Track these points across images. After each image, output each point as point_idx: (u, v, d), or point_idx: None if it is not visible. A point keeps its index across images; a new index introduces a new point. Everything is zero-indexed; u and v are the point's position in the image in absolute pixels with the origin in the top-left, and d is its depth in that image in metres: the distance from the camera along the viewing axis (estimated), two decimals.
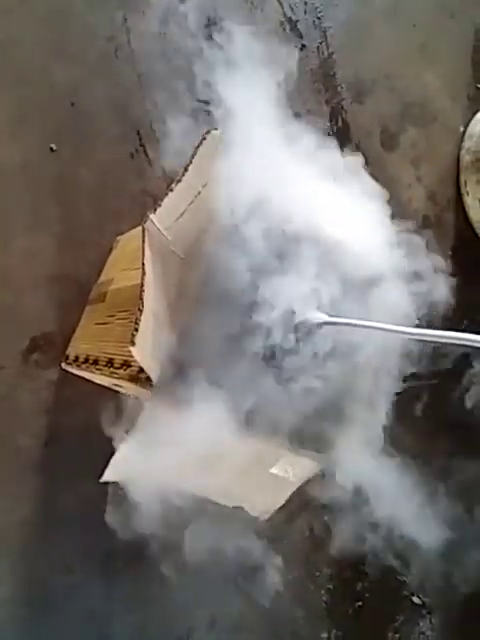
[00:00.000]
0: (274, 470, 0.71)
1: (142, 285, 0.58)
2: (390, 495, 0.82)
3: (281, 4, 1.23)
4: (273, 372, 0.70)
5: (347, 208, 0.86)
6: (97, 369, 0.79)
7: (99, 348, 0.84)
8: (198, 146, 0.63)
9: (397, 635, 1.32)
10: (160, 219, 0.64)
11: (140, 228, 0.72)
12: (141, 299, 0.58)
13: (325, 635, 1.22)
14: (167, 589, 1.05)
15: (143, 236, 0.62)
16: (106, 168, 1.04)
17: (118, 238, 1.00)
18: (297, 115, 1.21)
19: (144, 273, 0.59)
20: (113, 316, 0.84)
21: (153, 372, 0.67)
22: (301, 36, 1.25)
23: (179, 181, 0.62)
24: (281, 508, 0.80)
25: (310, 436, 0.71)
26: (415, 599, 1.34)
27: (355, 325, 0.68)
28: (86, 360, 0.87)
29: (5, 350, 0.96)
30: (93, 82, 1.03)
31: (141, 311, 0.58)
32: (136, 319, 0.57)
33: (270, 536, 1.06)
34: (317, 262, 0.76)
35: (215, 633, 1.11)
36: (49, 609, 0.98)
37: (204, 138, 0.64)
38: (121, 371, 0.72)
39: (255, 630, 1.15)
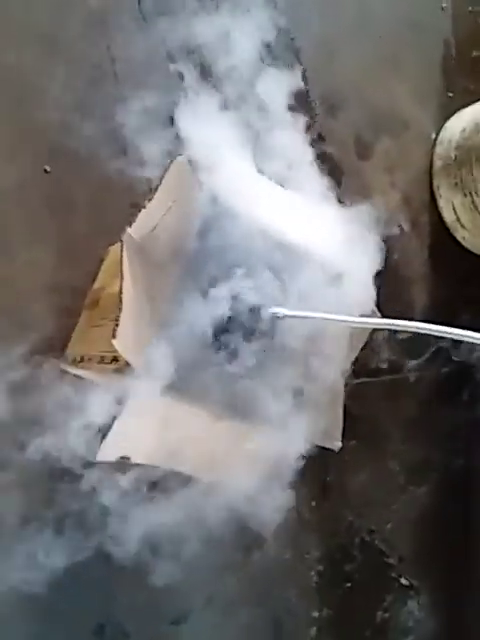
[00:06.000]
0: (250, 445, 0.80)
1: (121, 290, 0.68)
2: None
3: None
4: (240, 362, 0.80)
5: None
6: (90, 366, 0.89)
7: (93, 348, 0.94)
8: (165, 171, 0.74)
9: (386, 614, 1.40)
10: (136, 231, 0.74)
11: None
12: (121, 301, 0.68)
13: (316, 614, 1.31)
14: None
15: (122, 247, 0.72)
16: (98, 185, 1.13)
17: (109, 248, 1.10)
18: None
19: (123, 279, 0.69)
20: (105, 319, 0.93)
21: (137, 364, 0.77)
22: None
23: (150, 199, 0.73)
24: None
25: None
26: (403, 580, 1.42)
27: (313, 317, 0.78)
28: (82, 359, 0.97)
29: (8, 352, 1.06)
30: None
31: (121, 310, 0.68)
32: (116, 317, 0.67)
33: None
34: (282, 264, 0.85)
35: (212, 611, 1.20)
36: None
37: (171, 163, 0.74)
38: (111, 365, 0.83)
39: (252, 608, 1.24)
